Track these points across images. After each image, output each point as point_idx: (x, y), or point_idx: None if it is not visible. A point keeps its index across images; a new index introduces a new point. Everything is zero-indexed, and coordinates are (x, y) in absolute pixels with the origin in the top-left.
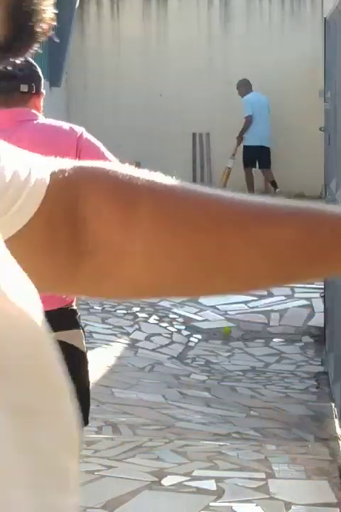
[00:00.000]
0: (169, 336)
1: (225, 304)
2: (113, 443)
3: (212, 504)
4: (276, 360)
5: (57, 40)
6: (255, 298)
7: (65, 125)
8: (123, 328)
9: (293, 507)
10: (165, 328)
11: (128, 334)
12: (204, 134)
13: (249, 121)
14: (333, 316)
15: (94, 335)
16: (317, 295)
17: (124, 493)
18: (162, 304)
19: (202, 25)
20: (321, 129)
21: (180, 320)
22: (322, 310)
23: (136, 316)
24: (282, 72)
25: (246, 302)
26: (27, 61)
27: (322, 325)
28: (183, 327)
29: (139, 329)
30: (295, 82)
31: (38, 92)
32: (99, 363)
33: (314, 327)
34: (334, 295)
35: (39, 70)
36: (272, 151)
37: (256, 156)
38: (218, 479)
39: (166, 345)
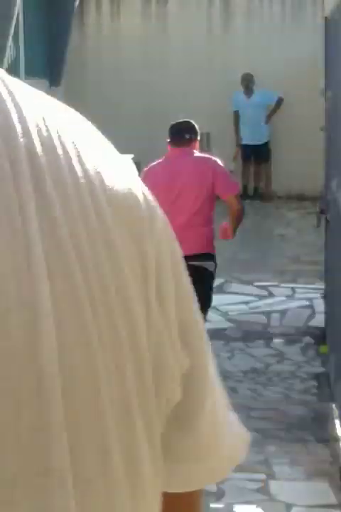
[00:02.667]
0: None
1: (225, 304)
2: None
3: (212, 505)
4: (277, 360)
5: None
6: (255, 298)
7: (208, 157)
8: None
9: (293, 508)
10: None
11: None
12: (204, 133)
13: (234, 116)
14: (334, 317)
15: None
16: (318, 295)
17: None
18: None
19: (202, 25)
20: (322, 128)
21: None
22: (323, 310)
23: None
24: (282, 71)
25: (246, 303)
26: (188, 121)
27: (323, 325)
28: None
29: None
30: (296, 82)
31: (195, 139)
32: None
33: (315, 328)
34: (335, 296)
35: (196, 125)
36: (272, 151)
37: (250, 153)
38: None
39: None
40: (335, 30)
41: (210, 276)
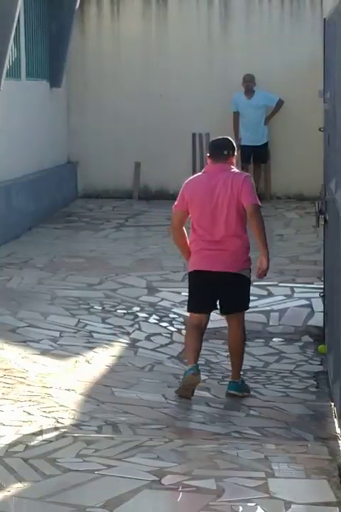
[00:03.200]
0: (169, 335)
1: None
2: (113, 442)
3: (211, 503)
4: (276, 359)
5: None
6: (255, 297)
7: (241, 173)
8: (123, 328)
9: (292, 506)
10: (165, 327)
11: (128, 334)
12: (204, 134)
13: (234, 117)
14: (332, 316)
15: (94, 335)
16: (317, 295)
17: (124, 492)
18: (162, 303)
19: (201, 26)
20: (320, 129)
21: (180, 320)
22: (322, 310)
23: (136, 316)
24: (281, 72)
25: None
26: (226, 137)
27: (322, 325)
28: (183, 327)
29: (139, 329)
30: (295, 83)
31: (232, 155)
32: (99, 362)
33: (313, 327)
34: (334, 295)
35: (233, 142)
36: (271, 151)
37: (250, 154)
38: (218, 478)
39: (166, 344)
40: (333, 31)
41: (248, 282)
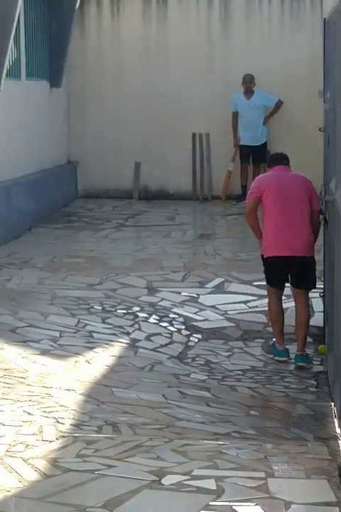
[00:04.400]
0: (169, 335)
1: (225, 303)
2: (113, 442)
3: (211, 503)
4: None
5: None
6: (255, 298)
7: (302, 175)
8: (123, 328)
9: (292, 506)
10: (165, 327)
11: (128, 334)
12: (204, 134)
13: (233, 117)
14: (333, 316)
15: (94, 335)
16: (317, 295)
17: (124, 492)
18: (162, 303)
19: (201, 26)
20: (320, 129)
21: (180, 320)
22: (322, 310)
23: (136, 316)
24: (281, 72)
25: (245, 302)
26: (283, 153)
27: (322, 325)
28: (183, 327)
29: (139, 329)
30: (295, 83)
31: (289, 164)
32: (99, 362)
33: (313, 327)
34: (334, 295)
35: (287, 156)
36: (271, 151)
37: (249, 154)
38: (218, 478)
39: (166, 344)
40: (333, 31)
41: (315, 263)
